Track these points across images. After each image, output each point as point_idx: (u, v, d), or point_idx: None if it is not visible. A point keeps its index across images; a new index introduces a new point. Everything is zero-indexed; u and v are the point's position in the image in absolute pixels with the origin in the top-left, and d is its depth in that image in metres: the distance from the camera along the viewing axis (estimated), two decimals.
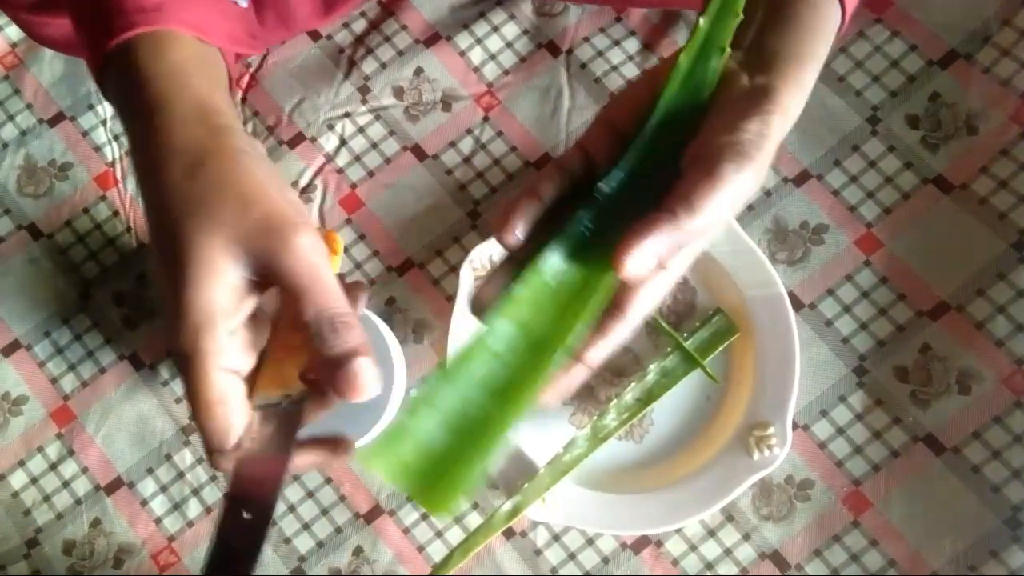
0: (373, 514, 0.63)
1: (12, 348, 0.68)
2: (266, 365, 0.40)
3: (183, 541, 0.64)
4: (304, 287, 0.36)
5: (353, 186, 0.68)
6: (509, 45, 0.69)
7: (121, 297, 0.68)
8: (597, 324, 0.39)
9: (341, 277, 0.39)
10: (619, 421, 0.60)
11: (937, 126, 0.63)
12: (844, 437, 0.60)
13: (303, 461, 0.39)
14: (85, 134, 0.71)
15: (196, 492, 0.64)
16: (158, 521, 0.64)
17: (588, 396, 0.63)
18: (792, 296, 0.62)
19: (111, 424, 0.66)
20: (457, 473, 0.35)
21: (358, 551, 0.62)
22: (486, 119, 0.68)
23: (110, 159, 0.71)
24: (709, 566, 0.60)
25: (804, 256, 0.63)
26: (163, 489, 0.65)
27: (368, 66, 0.70)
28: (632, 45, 0.68)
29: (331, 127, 0.69)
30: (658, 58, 0.67)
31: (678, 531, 0.60)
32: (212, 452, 0.38)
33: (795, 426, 0.60)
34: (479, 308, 0.40)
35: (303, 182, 0.68)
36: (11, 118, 0.72)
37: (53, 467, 0.66)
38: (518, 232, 0.39)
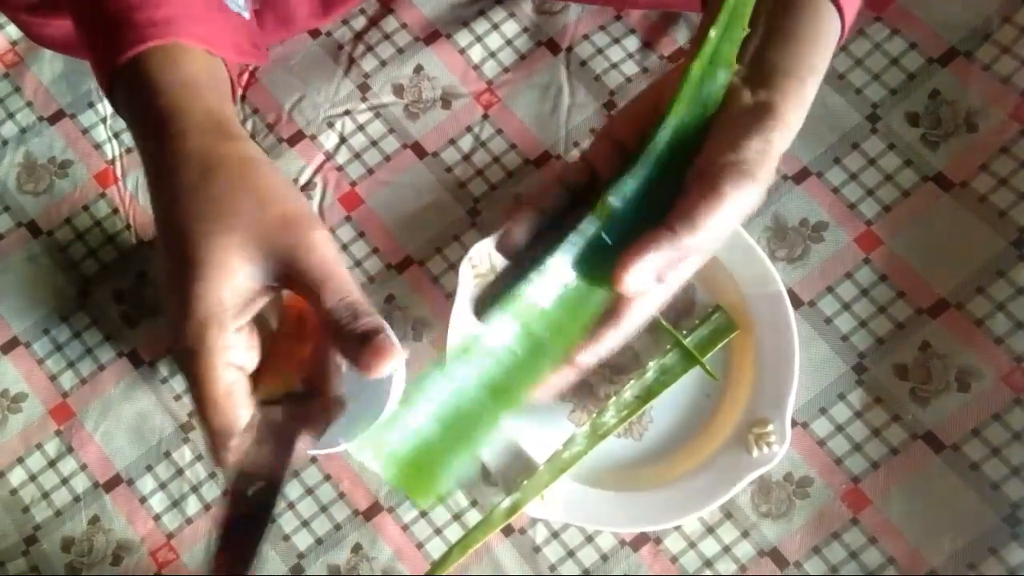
0: (372, 511, 0.63)
1: (11, 345, 0.68)
2: (267, 367, 0.40)
3: (182, 538, 0.64)
4: (323, 280, 0.37)
5: (353, 183, 0.68)
6: (509, 43, 0.69)
7: (120, 294, 0.68)
8: (591, 330, 0.40)
9: None
10: (618, 418, 0.60)
11: (937, 124, 0.63)
12: (843, 434, 0.60)
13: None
14: (85, 132, 0.71)
15: (195, 489, 0.64)
16: (157, 518, 0.64)
17: (587, 393, 0.63)
18: (791, 294, 0.62)
19: (110, 421, 0.66)
20: (443, 464, 0.37)
21: (357, 548, 0.62)
22: (486, 117, 0.68)
23: (110, 157, 0.71)
24: (708, 563, 0.60)
25: (804, 254, 0.63)
26: (162, 486, 0.65)
27: (368, 64, 0.70)
28: (632, 43, 0.68)
29: (331, 125, 0.69)
30: (658, 56, 0.67)
31: (677, 528, 0.60)
32: (215, 447, 0.39)
33: (794, 423, 0.60)
34: (480, 309, 0.40)
35: (303, 180, 0.68)
36: (11, 115, 0.72)
37: (52, 464, 0.66)
38: (518, 240, 0.40)
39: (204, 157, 0.39)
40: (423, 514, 0.62)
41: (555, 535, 0.61)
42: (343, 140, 0.69)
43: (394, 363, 0.37)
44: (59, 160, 0.71)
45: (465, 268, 0.61)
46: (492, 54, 0.69)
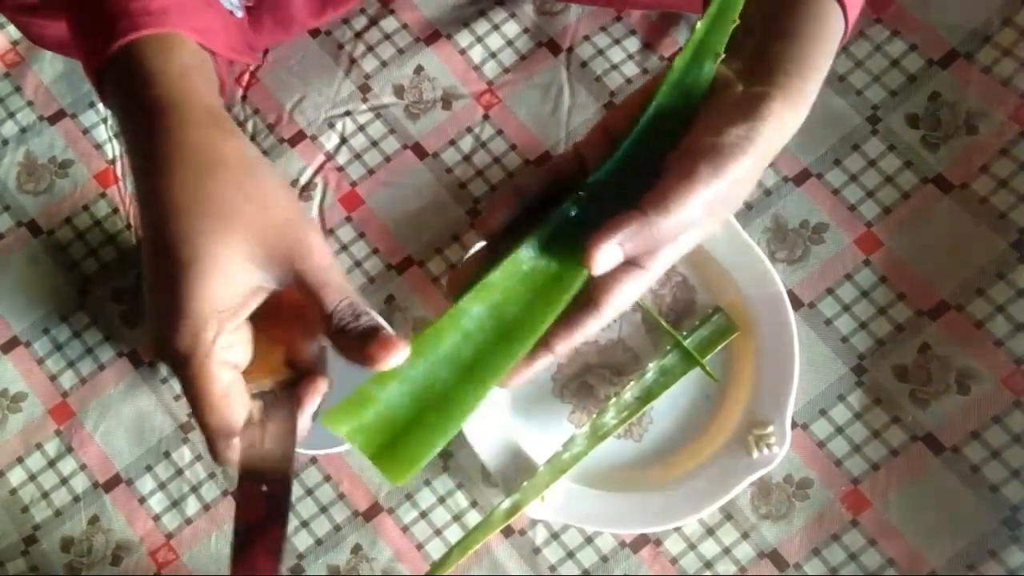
0: (372, 512, 0.63)
1: (11, 345, 0.68)
2: (252, 356, 0.40)
3: (181, 538, 0.64)
4: (324, 282, 0.38)
5: (353, 184, 0.68)
6: (509, 43, 0.69)
7: (120, 294, 0.68)
8: (570, 317, 0.39)
9: None
10: (618, 419, 0.60)
11: (937, 125, 0.63)
12: (843, 436, 0.60)
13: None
14: (86, 132, 0.71)
15: (195, 489, 0.64)
16: (156, 518, 0.64)
17: (587, 394, 0.63)
18: (791, 295, 0.62)
19: (110, 421, 0.66)
20: (416, 443, 0.37)
21: (357, 549, 0.62)
22: (486, 117, 0.68)
23: (110, 157, 0.71)
24: (708, 565, 0.60)
25: (804, 255, 0.63)
26: (162, 486, 0.65)
27: (368, 64, 0.70)
28: (632, 44, 0.68)
29: (331, 125, 0.69)
30: (658, 57, 0.67)
31: (677, 530, 0.60)
32: (217, 447, 0.39)
33: (794, 425, 0.60)
34: (454, 288, 0.40)
35: (304, 180, 0.68)
36: (12, 115, 0.72)
37: (51, 464, 0.66)
38: (496, 222, 0.40)
39: (204, 153, 0.39)
40: (423, 515, 0.62)
41: (555, 536, 0.61)
42: (344, 140, 0.69)
43: (401, 355, 0.37)
44: (59, 160, 0.71)
45: None
46: (493, 55, 0.69)
